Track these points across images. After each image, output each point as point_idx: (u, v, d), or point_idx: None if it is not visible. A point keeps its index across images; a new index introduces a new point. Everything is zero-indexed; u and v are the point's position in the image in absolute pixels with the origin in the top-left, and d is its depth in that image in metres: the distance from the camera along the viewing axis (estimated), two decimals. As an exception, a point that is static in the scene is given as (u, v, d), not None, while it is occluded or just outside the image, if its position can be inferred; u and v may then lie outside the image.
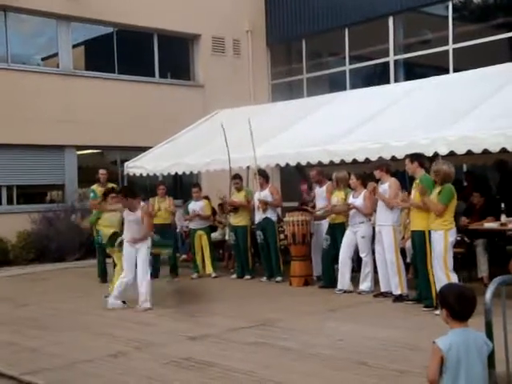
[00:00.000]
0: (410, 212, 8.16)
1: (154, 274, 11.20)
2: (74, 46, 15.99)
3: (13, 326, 7.78)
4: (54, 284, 11.35)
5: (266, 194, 10.52)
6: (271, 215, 10.52)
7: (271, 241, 10.46)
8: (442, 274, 7.31)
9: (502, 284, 4.15)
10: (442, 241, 7.32)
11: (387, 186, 8.55)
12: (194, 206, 11.44)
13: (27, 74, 14.91)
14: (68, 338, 7.08)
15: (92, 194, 11.30)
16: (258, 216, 10.58)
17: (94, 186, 11.36)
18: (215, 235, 12.40)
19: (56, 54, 15.70)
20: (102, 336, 7.09)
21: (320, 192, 10.13)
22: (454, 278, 7.31)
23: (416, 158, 7.93)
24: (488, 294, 3.83)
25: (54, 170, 15.32)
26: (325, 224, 9.83)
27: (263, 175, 10.67)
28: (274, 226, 10.49)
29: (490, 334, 3.81)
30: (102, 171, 11.54)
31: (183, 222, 13.05)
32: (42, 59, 16.16)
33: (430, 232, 7.55)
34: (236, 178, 11.04)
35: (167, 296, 9.59)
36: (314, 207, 10.23)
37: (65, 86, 15.26)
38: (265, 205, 10.43)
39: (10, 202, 14.72)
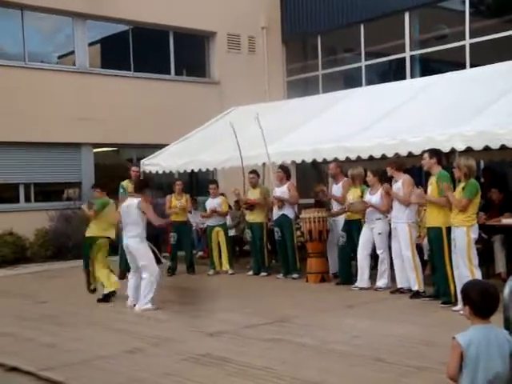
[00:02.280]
0: (427, 208, 8.12)
1: (172, 272, 11.31)
2: (90, 44, 16.07)
3: (32, 322, 7.85)
4: (71, 281, 11.39)
5: (283, 190, 10.51)
6: (288, 212, 10.50)
7: (288, 238, 10.45)
8: (466, 269, 7.25)
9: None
10: (465, 237, 7.26)
11: (400, 183, 8.52)
12: (212, 202, 11.46)
13: (44, 72, 15.01)
14: (86, 334, 7.13)
15: (121, 190, 11.07)
16: (276, 213, 10.58)
17: (125, 182, 11.18)
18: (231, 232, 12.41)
19: (72, 52, 15.79)
20: (120, 332, 7.14)
21: (336, 189, 10.10)
22: (478, 274, 7.26)
23: (435, 154, 7.88)
24: (506, 290, 3.79)
25: (70, 168, 15.41)
26: (341, 221, 9.81)
27: (285, 170, 10.64)
28: (291, 222, 10.48)
29: (508, 331, 3.78)
30: (134, 168, 11.50)
31: (198, 219, 13.09)
32: (59, 57, 16.26)
33: (448, 228, 7.50)
34: (252, 173, 11.04)
35: (184, 292, 9.62)
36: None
37: (81, 84, 15.35)
38: (280, 202, 10.42)
39: (27, 199, 14.84)
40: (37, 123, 14.48)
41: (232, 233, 12.40)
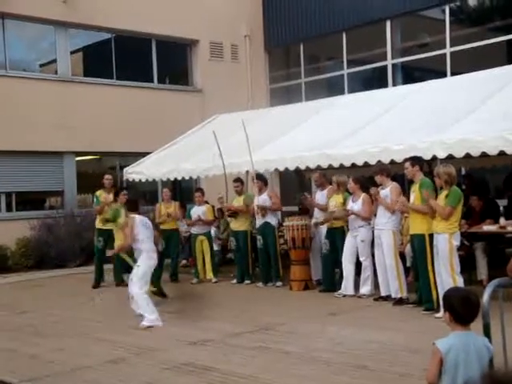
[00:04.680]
0: (409, 216, 8.16)
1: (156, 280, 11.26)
2: (72, 53, 16.01)
3: (12, 332, 7.78)
4: (53, 290, 11.33)
5: (264, 198, 10.52)
6: (271, 220, 10.51)
7: (271, 246, 10.45)
8: (448, 276, 7.29)
9: (500, 287, 4.15)
10: (447, 244, 7.31)
11: (388, 190, 8.55)
12: (197, 210, 11.44)
13: (25, 81, 14.91)
14: (68, 344, 7.08)
15: (95, 200, 11.26)
16: (258, 221, 10.58)
17: (98, 192, 11.30)
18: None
19: (54, 61, 15.72)
20: (102, 342, 7.09)
21: (320, 196, 10.13)
22: (461, 281, 7.30)
23: (417, 161, 7.93)
24: (485, 297, 3.83)
25: (52, 177, 15.31)
26: (323, 228, 9.83)
27: (261, 179, 10.66)
28: (273, 230, 10.48)
29: (487, 337, 3.81)
30: (107, 176, 11.55)
31: (183, 227, 13.04)
32: (40, 66, 16.18)
33: (431, 235, 7.55)
34: (237, 181, 11.05)
35: (167, 301, 9.57)
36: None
37: (63, 93, 15.28)
38: (263, 210, 10.43)
39: (9, 208, 14.72)
40: (18, 132, 14.38)
41: (216, 247, 12.33)
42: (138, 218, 8.17)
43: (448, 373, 3.30)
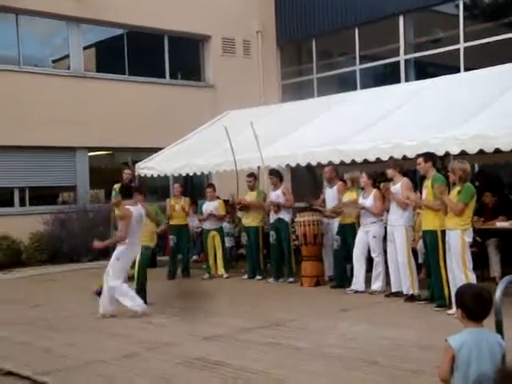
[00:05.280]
0: (422, 212, 8.14)
1: (172, 275, 11.32)
2: (85, 48, 16.08)
3: (26, 326, 7.83)
4: (66, 285, 11.41)
5: (278, 194, 10.51)
6: (284, 216, 10.46)
7: (285, 241, 10.44)
8: (461, 273, 7.26)
9: (512, 283, 4.14)
10: (459, 240, 7.27)
11: (399, 185, 8.53)
12: (209, 206, 11.46)
13: (38, 76, 15.00)
14: (81, 338, 7.13)
15: (114, 193, 11.35)
16: (272, 217, 10.58)
17: (117, 186, 11.23)
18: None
19: (67, 56, 15.79)
20: (115, 337, 7.13)
21: (330, 192, 10.11)
22: (473, 278, 7.27)
23: (430, 157, 7.91)
24: (498, 293, 3.81)
25: (65, 172, 15.40)
26: (335, 224, 9.83)
27: (276, 175, 10.64)
28: (287, 226, 10.44)
29: (500, 334, 3.80)
30: (126, 171, 11.74)
31: (194, 222, 13.08)
32: (53, 61, 16.27)
33: (443, 231, 7.52)
34: (250, 176, 11.05)
35: (179, 296, 9.62)
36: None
37: (76, 88, 15.34)
38: (275, 206, 10.42)
39: (22, 203, 14.82)
40: (31, 127, 14.47)
41: (229, 243, 12.33)
42: (134, 211, 8.12)
43: (460, 369, 3.30)
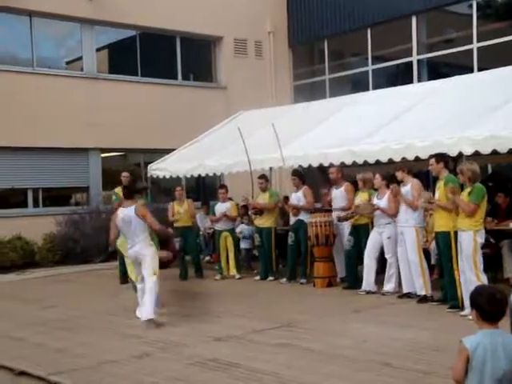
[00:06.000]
0: (434, 213, 8.10)
1: (184, 276, 11.34)
2: (98, 50, 16.17)
3: (40, 327, 7.88)
4: (79, 286, 11.48)
5: (299, 196, 10.48)
6: (304, 217, 10.38)
7: (303, 242, 10.39)
8: (472, 274, 7.22)
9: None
10: (471, 241, 7.23)
11: (409, 187, 8.51)
12: (221, 207, 11.46)
13: (52, 78, 15.10)
14: (94, 338, 7.16)
15: (114, 197, 11.18)
16: (293, 218, 10.57)
17: (117, 189, 11.26)
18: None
19: (80, 58, 15.89)
20: (128, 337, 7.16)
21: (337, 193, 10.08)
22: (484, 279, 7.22)
23: (442, 158, 7.87)
24: (512, 295, 3.80)
25: (78, 173, 15.49)
26: (346, 225, 9.80)
27: (299, 176, 10.60)
28: (306, 227, 10.35)
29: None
30: (124, 174, 11.30)
31: (206, 224, 13.10)
32: (67, 63, 16.37)
33: (456, 232, 7.49)
34: (261, 178, 11.04)
35: (191, 297, 9.64)
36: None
37: (89, 89, 15.43)
38: (294, 209, 10.41)
39: (35, 204, 14.92)
40: (45, 128, 14.57)
41: (245, 244, 12.32)
42: (120, 213, 7.81)
43: (475, 371, 3.28)
